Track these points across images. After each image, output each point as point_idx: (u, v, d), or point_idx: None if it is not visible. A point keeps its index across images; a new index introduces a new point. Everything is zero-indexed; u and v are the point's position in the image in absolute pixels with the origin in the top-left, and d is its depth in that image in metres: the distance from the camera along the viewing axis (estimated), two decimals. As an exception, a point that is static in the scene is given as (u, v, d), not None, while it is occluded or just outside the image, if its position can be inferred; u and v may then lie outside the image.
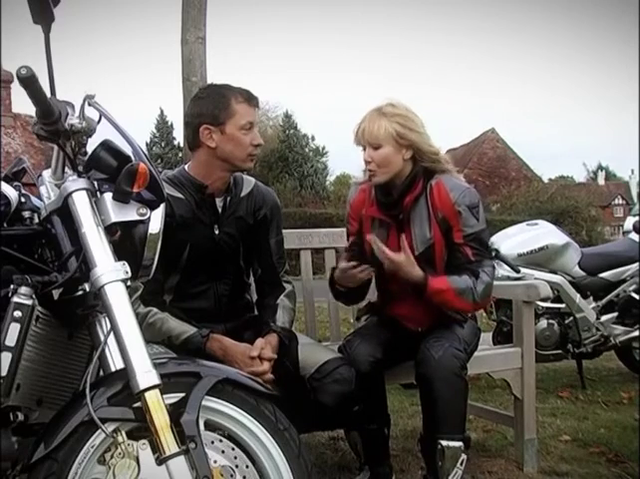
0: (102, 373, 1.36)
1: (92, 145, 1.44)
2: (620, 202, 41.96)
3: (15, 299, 1.30)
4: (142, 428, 1.29)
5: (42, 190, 1.46)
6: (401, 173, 2.15)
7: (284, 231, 2.28)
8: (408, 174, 2.15)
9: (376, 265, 2.25)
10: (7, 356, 1.28)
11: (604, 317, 3.84)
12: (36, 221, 1.47)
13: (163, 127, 33.04)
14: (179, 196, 2.03)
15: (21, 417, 1.33)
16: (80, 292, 1.37)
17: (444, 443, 2.00)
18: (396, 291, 2.28)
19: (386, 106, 2.14)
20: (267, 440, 1.38)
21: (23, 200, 1.49)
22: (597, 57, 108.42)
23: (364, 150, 2.16)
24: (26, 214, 1.48)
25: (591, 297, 3.87)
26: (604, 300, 3.88)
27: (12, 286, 1.31)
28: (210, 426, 1.37)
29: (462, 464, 2.02)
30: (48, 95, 1.35)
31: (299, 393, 1.98)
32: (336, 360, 2.05)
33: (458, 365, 2.02)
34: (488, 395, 3.69)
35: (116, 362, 1.34)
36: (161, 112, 33.45)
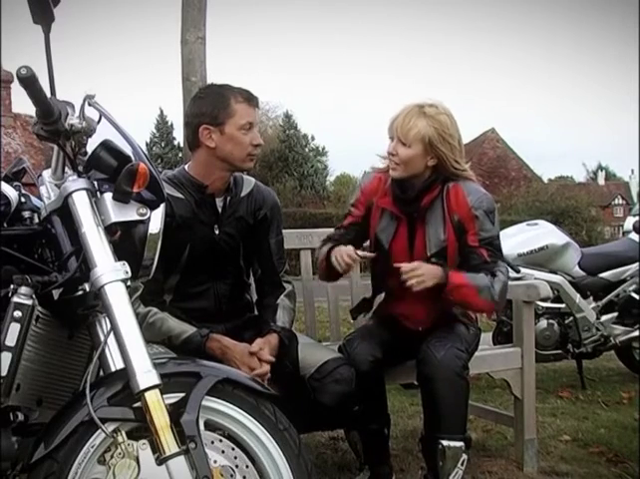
0: (102, 373, 1.36)
1: (92, 145, 1.44)
2: (620, 202, 41.94)
3: (15, 299, 1.30)
4: (142, 428, 1.30)
5: (42, 190, 1.46)
6: (420, 175, 2.14)
7: (284, 231, 2.28)
8: (427, 177, 2.14)
9: (375, 261, 2.25)
10: (7, 356, 1.28)
11: (604, 317, 3.84)
12: (36, 221, 1.47)
13: (163, 127, 33.06)
14: (179, 196, 2.03)
15: (21, 417, 1.33)
16: (80, 292, 1.37)
17: (445, 443, 2.00)
18: (395, 289, 2.28)
19: (430, 106, 2.11)
20: (267, 440, 1.37)
21: (23, 200, 1.49)
22: (597, 57, 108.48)
23: (392, 140, 2.14)
24: (26, 214, 1.48)
25: (591, 297, 3.87)
26: (604, 300, 3.88)
27: (12, 286, 1.31)
28: (210, 426, 1.37)
29: (462, 464, 2.02)
30: (48, 95, 1.35)
31: (299, 393, 1.98)
32: (336, 360, 2.05)
33: (459, 365, 2.02)
34: (488, 395, 3.69)
35: (116, 362, 1.34)
36: (161, 112, 33.54)
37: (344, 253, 2.07)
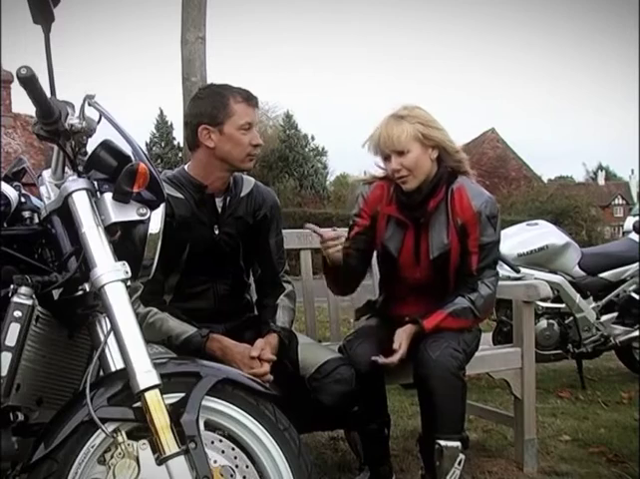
0: (102, 373, 1.36)
1: (92, 145, 1.44)
2: (620, 202, 41.95)
3: (15, 299, 1.30)
4: (142, 428, 1.29)
5: (42, 190, 1.46)
6: (429, 175, 2.13)
7: (284, 231, 2.28)
8: (433, 176, 2.14)
9: (383, 267, 2.25)
10: (7, 356, 1.28)
11: (604, 317, 3.84)
12: (36, 221, 1.47)
13: (163, 127, 33.06)
14: (179, 196, 2.03)
15: (21, 417, 1.33)
16: (80, 292, 1.37)
17: (442, 443, 2.00)
18: (399, 292, 2.28)
19: (402, 109, 2.12)
20: (267, 440, 1.38)
21: (23, 200, 1.49)
22: (597, 57, 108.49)
23: (385, 159, 2.13)
24: (26, 214, 1.48)
25: (591, 297, 3.87)
26: (604, 300, 3.88)
27: (12, 286, 1.31)
28: (210, 426, 1.37)
29: (460, 464, 2.01)
30: (48, 95, 1.35)
31: (299, 393, 1.98)
32: (336, 360, 2.05)
33: (455, 365, 2.02)
34: (489, 395, 3.69)
35: (116, 362, 1.34)
36: (161, 112, 33.54)
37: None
